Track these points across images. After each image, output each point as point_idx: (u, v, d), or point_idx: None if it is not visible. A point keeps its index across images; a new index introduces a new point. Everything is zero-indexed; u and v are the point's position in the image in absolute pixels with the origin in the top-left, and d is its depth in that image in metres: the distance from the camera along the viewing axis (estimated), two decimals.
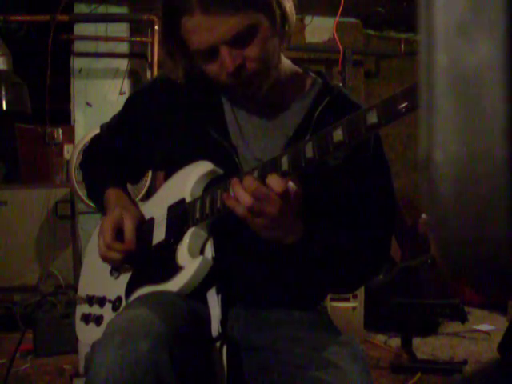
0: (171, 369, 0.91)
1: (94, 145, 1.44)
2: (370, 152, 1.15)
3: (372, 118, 0.87)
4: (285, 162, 0.97)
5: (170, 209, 1.20)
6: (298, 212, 1.01)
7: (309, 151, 0.94)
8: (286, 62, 1.20)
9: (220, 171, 1.15)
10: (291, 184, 0.98)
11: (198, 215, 1.11)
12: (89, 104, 3.72)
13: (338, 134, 0.91)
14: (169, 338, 0.94)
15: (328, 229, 1.10)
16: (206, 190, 1.16)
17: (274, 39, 1.08)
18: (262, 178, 0.98)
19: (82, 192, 3.01)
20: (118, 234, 1.20)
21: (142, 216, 1.26)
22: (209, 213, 1.09)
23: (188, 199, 1.16)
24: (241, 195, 0.97)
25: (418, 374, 2.54)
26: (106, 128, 1.40)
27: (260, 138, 1.18)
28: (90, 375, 0.91)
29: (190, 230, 1.13)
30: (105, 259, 1.23)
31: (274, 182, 0.96)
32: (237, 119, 1.19)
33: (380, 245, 1.18)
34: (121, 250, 1.19)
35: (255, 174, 1.01)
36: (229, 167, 1.14)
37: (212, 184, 1.14)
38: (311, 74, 1.23)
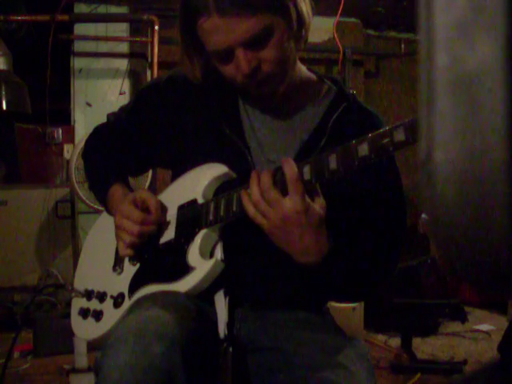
0: (184, 371, 0.91)
1: (99, 135, 1.41)
2: (383, 163, 1.14)
3: (400, 135, 0.86)
4: (307, 172, 0.97)
5: (181, 209, 1.20)
6: (316, 234, 1.00)
7: (333, 163, 0.94)
8: (301, 67, 1.20)
9: (234, 175, 1.14)
10: (308, 202, 0.97)
11: (211, 217, 1.11)
12: (89, 104, 3.72)
13: (364, 149, 0.91)
14: (182, 340, 0.93)
15: (343, 250, 1.08)
16: (217, 192, 1.16)
17: (290, 42, 1.08)
18: (282, 183, 0.98)
19: (82, 192, 3.01)
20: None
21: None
22: (223, 215, 1.09)
23: (200, 200, 1.16)
24: (252, 189, 0.98)
25: (418, 374, 2.55)
26: (114, 119, 1.37)
27: (274, 140, 1.18)
28: (101, 377, 0.90)
29: (202, 232, 1.12)
30: (140, 236, 1.17)
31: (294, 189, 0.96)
32: (251, 120, 1.19)
33: (390, 257, 1.17)
34: (155, 221, 1.17)
35: (277, 177, 1.00)
36: (242, 167, 1.14)
37: (224, 187, 1.14)
38: (326, 80, 1.23)
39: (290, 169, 0.96)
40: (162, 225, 1.20)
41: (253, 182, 0.98)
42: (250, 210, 1.00)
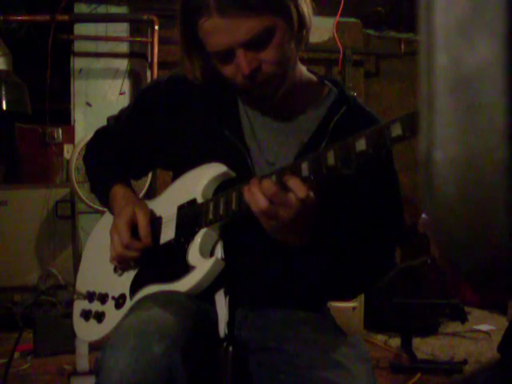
0: (184, 371, 0.91)
1: (100, 138, 1.41)
2: (381, 162, 1.15)
3: (396, 130, 0.86)
4: (305, 168, 0.97)
5: (180, 208, 1.20)
6: (312, 218, 1.00)
7: (330, 159, 0.94)
8: (302, 68, 1.20)
9: (233, 174, 1.14)
10: (311, 194, 0.97)
11: (211, 216, 1.11)
12: (89, 104, 3.72)
13: (361, 144, 0.91)
14: (182, 340, 0.93)
15: (335, 234, 1.10)
16: (216, 191, 1.15)
17: (291, 43, 1.08)
18: (281, 182, 0.98)
19: (81, 192, 3.01)
20: (132, 231, 1.20)
21: (151, 213, 1.25)
22: (223, 214, 1.09)
23: (199, 200, 1.16)
24: (258, 197, 0.96)
25: (418, 374, 2.55)
26: (114, 121, 1.37)
27: (273, 142, 1.17)
28: (101, 377, 0.90)
29: (202, 231, 1.12)
30: (121, 258, 1.21)
31: (297, 186, 0.95)
32: (251, 121, 1.19)
33: (384, 255, 1.18)
34: (139, 249, 1.18)
35: (273, 177, 0.99)
36: (241, 169, 1.14)
37: (223, 187, 1.14)
38: (326, 82, 1.23)
39: (292, 177, 0.96)
40: (150, 253, 1.21)
41: (256, 190, 0.97)
42: (257, 212, 0.98)
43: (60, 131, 3.69)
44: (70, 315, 1.33)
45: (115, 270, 1.26)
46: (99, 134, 1.42)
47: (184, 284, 1.09)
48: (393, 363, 2.66)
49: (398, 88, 4.28)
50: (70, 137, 3.71)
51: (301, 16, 1.07)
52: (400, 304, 3.03)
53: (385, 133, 0.88)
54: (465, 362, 2.61)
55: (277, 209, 0.95)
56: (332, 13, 3.38)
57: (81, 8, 3.67)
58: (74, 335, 1.33)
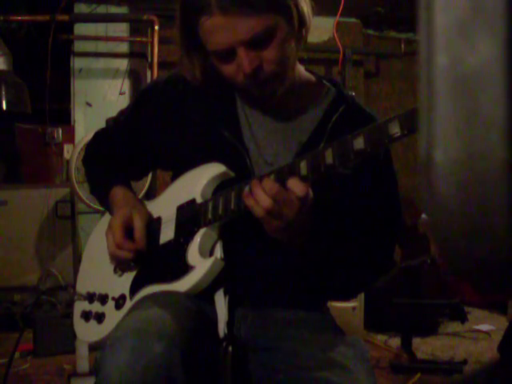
0: (183, 371, 0.91)
1: (99, 139, 1.42)
2: (379, 161, 1.15)
3: (394, 128, 0.87)
4: (304, 167, 0.97)
5: (180, 209, 1.20)
6: (310, 217, 1.01)
7: (329, 157, 0.94)
8: (300, 68, 1.20)
9: (232, 174, 1.14)
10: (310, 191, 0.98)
11: (210, 216, 1.11)
12: (89, 104, 3.72)
13: (359, 142, 0.91)
14: (181, 339, 0.94)
15: (333, 233, 1.10)
16: (216, 191, 1.16)
17: (292, 42, 1.08)
18: (280, 182, 0.98)
19: (81, 192, 3.01)
20: (128, 232, 1.20)
21: (149, 215, 1.25)
22: (222, 214, 1.09)
23: (199, 200, 1.16)
24: (261, 197, 0.96)
25: (418, 374, 2.55)
26: (114, 123, 1.38)
27: (272, 143, 1.18)
28: (100, 377, 0.90)
29: (202, 231, 1.12)
30: (114, 258, 1.22)
31: (296, 185, 0.96)
32: (249, 121, 1.19)
33: (383, 254, 1.19)
34: (131, 250, 1.19)
35: (271, 177, 1.00)
36: (240, 169, 1.14)
37: (222, 186, 1.14)
38: (325, 82, 1.23)
39: (291, 176, 0.97)
40: (138, 255, 1.21)
41: (259, 190, 0.97)
42: (260, 213, 0.98)
43: (60, 131, 3.69)
44: (70, 315, 1.33)
45: (115, 270, 1.26)
46: (98, 135, 1.42)
47: (183, 284, 1.09)
48: (393, 363, 2.66)
49: (398, 88, 4.28)
50: (70, 137, 3.71)
51: (301, 15, 1.07)
52: (400, 304, 3.04)
53: (383, 131, 0.88)
54: (465, 361, 2.61)
55: (281, 207, 0.96)
56: (332, 13, 3.37)
57: (81, 8, 3.67)
58: (74, 336, 1.33)
